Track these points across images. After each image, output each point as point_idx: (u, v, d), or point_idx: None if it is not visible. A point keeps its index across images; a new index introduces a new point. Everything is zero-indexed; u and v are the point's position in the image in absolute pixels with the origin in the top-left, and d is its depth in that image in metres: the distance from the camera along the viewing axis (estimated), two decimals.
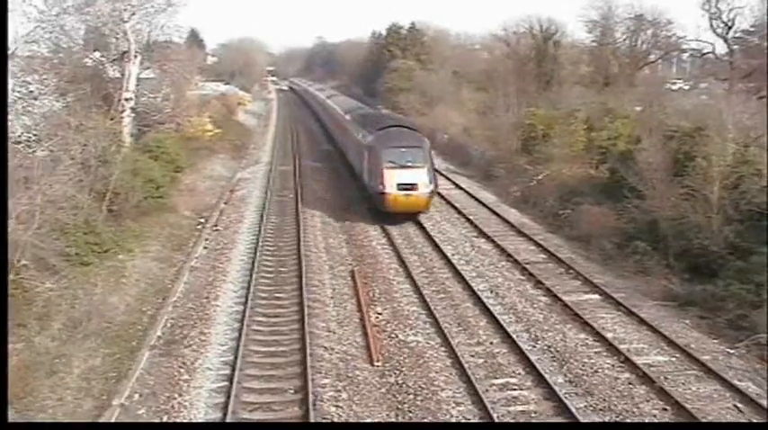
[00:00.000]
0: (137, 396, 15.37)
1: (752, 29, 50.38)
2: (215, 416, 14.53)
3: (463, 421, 14.49)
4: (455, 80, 73.21)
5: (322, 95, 75.30)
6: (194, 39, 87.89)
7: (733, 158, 26.75)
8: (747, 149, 27.35)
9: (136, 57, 36.23)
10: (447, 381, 16.15)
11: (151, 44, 39.20)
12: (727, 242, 23.86)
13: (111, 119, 31.68)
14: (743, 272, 21.76)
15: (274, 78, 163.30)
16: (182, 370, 16.63)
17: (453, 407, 14.98)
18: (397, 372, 16.61)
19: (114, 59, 36.85)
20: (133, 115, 36.47)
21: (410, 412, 14.77)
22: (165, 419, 14.40)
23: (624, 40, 59.24)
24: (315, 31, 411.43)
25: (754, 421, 14.01)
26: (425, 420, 14.46)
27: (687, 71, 69.39)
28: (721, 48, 51.94)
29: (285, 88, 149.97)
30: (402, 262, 25.15)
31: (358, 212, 32.77)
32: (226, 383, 15.80)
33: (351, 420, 14.47)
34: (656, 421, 14.45)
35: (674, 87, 57.08)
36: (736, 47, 50.40)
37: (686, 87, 57.56)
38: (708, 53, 54.38)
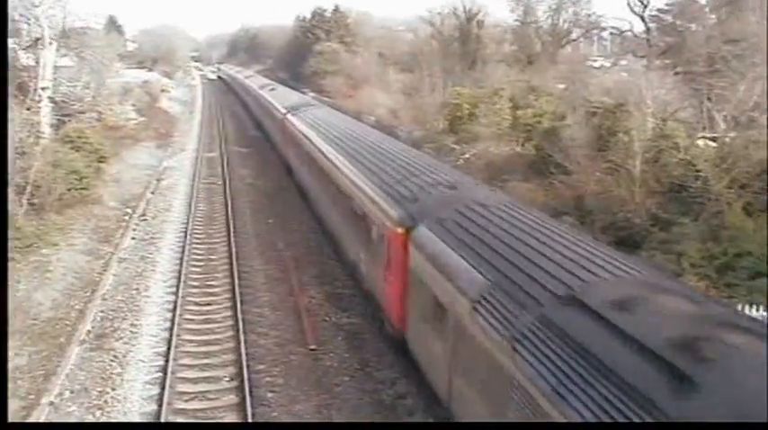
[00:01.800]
0: (67, 393, 15.01)
1: (666, 7, 51.72)
2: (150, 408, 14.32)
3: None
4: (380, 62, 73.34)
5: (274, 102, 44.42)
6: (113, 25, 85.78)
7: (653, 133, 27.56)
8: (666, 124, 28.19)
9: (51, 44, 35.02)
10: (381, 362, 16.26)
11: (67, 30, 37.96)
12: (649, 214, 24.60)
13: (28, 109, 30.65)
14: (665, 242, 22.46)
15: (198, 64, 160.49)
16: (114, 363, 16.32)
17: (390, 387, 15.11)
18: (332, 355, 16.65)
19: (28, 46, 35.59)
20: (51, 105, 35.32)
21: (347, 394, 14.82)
22: (98, 414, 14.12)
23: (546, 18, 60.17)
24: (238, 16, 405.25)
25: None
26: (363, 400, 14.55)
27: (607, 49, 70.94)
28: (639, 26, 53.20)
29: (213, 77, 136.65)
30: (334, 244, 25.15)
31: (288, 198, 32.59)
32: (160, 374, 15.58)
33: (286, 404, 14.45)
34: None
35: (595, 65, 58.34)
36: (652, 25, 51.66)
37: (607, 65, 58.88)
38: (626, 31, 55.68)
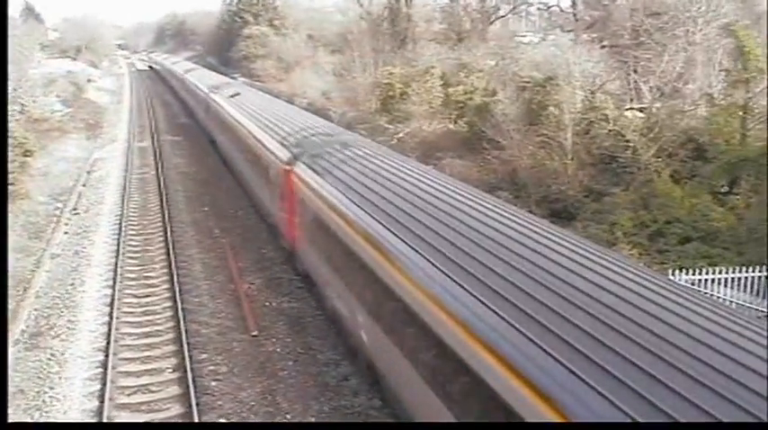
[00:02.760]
0: None
1: None
2: (92, 405, 14.07)
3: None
4: (310, 44, 72.90)
5: (256, 131, 25.58)
6: (30, 12, 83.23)
7: (582, 105, 28.10)
8: (594, 96, 28.76)
9: None
10: (324, 344, 16.29)
11: None
12: (582, 185, 25.15)
13: None
14: (598, 213, 23.01)
15: (125, 52, 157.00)
16: (51, 362, 15.93)
17: (334, 369, 15.16)
18: (275, 340, 16.60)
19: None
20: None
21: (291, 378, 14.83)
22: (36, 415, 13.79)
23: None
24: (165, 2, 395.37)
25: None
26: (307, 383, 14.57)
27: (536, 24, 71.72)
28: (565, 1, 53.96)
29: (142, 67, 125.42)
30: (270, 229, 24.96)
31: (221, 185, 32.29)
32: (100, 370, 15.31)
33: (231, 392, 14.38)
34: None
35: (524, 40, 58.93)
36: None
37: (536, 40, 59.50)
38: (553, 6, 56.50)
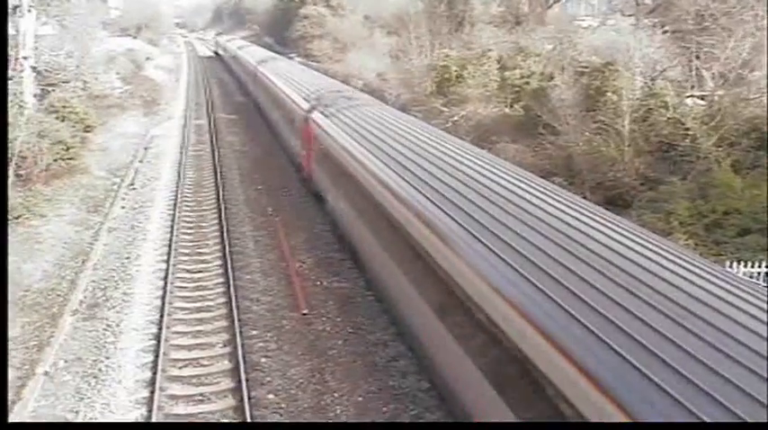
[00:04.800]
0: (62, 362, 15.04)
1: None
2: (144, 376, 14.38)
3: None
4: (367, 25, 72.68)
5: None
6: None
7: (641, 92, 27.54)
8: (654, 82, 28.16)
9: (30, 11, 34.30)
10: (374, 325, 16.35)
11: None
12: (638, 173, 24.69)
13: (10, 79, 30.22)
14: (654, 201, 22.57)
15: (183, 31, 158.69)
16: (107, 332, 16.34)
17: (382, 349, 15.21)
18: (325, 319, 16.72)
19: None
20: (34, 74, 34.81)
21: (340, 357, 14.93)
22: (92, 383, 14.15)
23: None
24: None
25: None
26: (356, 363, 14.65)
27: (595, 8, 70.42)
28: None
29: (204, 51, 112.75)
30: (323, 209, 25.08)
31: (276, 163, 32.53)
32: (153, 342, 15.63)
33: (280, 369, 14.54)
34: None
35: (583, 24, 57.91)
36: None
37: (595, 24, 58.44)
38: None
